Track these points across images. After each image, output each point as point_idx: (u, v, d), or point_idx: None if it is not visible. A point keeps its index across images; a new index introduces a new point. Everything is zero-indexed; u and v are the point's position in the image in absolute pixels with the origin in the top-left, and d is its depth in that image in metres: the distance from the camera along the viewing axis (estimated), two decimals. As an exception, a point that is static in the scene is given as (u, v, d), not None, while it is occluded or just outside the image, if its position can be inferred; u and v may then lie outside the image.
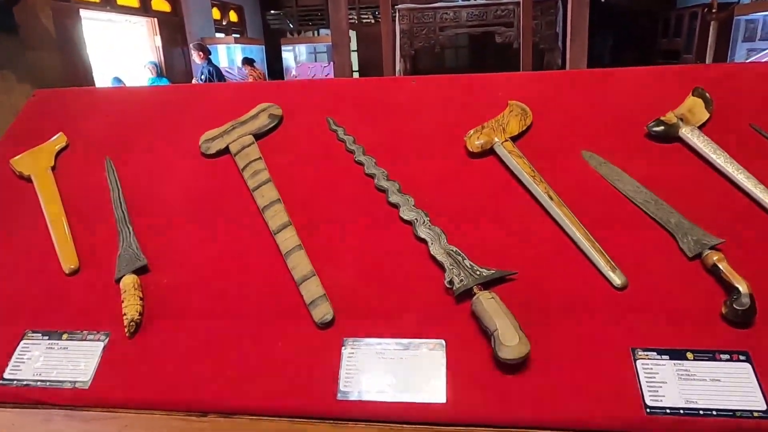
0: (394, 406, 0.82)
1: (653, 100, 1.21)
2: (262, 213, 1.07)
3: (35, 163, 1.23)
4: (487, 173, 1.11)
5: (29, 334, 0.97)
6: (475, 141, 1.13)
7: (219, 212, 1.12)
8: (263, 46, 10.78)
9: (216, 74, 7.07)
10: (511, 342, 0.81)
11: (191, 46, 7.57)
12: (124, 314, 0.95)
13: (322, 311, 0.92)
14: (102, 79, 6.31)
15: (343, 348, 0.88)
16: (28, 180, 1.22)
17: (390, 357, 0.87)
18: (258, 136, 1.23)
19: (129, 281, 0.99)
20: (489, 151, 1.13)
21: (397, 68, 6.91)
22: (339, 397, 0.83)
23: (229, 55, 10.54)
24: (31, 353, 0.95)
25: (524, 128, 1.15)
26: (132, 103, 1.39)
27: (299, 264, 0.98)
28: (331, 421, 0.82)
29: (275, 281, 0.99)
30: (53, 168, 1.24)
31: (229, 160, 1.21)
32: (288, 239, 1.02)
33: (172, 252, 1.06)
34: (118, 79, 6.59)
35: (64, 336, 0.96)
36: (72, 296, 1.02)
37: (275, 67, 10.95)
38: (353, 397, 0.83)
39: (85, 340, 0.95)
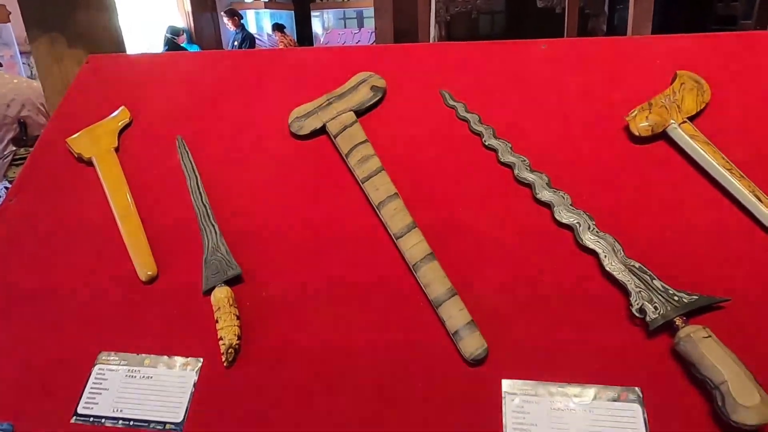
0: (585, 479, 0.62)
1: None
2: (378, 210, 0.87)
3: (96, 143, 1.04)
4: (659, 163, 0.87)
5: (103, 357, 0.80)
6: (642, 122, 0.89)
7: (321, 208, 0.92)
8: (293, 12, 10.44)
9: (249, 42, 6.84)
10: (748, 401, 0.60)
11: (222, 12, 7.33)
12: (221, 338, 0.77)
13: (473, 344, 0.72)
14: (133, 47, 6.11)
15: (505, 395, 0.69)
16: (89, 163, 1.03)
17: (572, 408, 0.67)
18: (359, 113, 1.01)
19: (222, 295, 0.80)
20: (659, 135, 0.90)
21: (432, 35, 6.59)
22: (509, 462, 0.64)
23: (257, 21, 10.25)
24: (109, 382, 0.77)
25: (702, 106, 0.91)
26: (199, 71, 1.19)
27: (434, 280, 0.78)
28: (502, 495, 0.63)
29: (403, 299, 0.79)
30: (116, 149, 1.05)
31: (325, 141, 1.01)
32: (415, 246, 0.81)
33: (268, 257, 0.87)
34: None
35: (146, 361, 0.79)
36: (151, 310, 0.84)
37: (304, 34, 10.62)
38: (527, 463, 0.64)
39: (173, 368, 0.77)
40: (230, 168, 1.00)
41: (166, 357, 0.78)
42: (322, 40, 10.20)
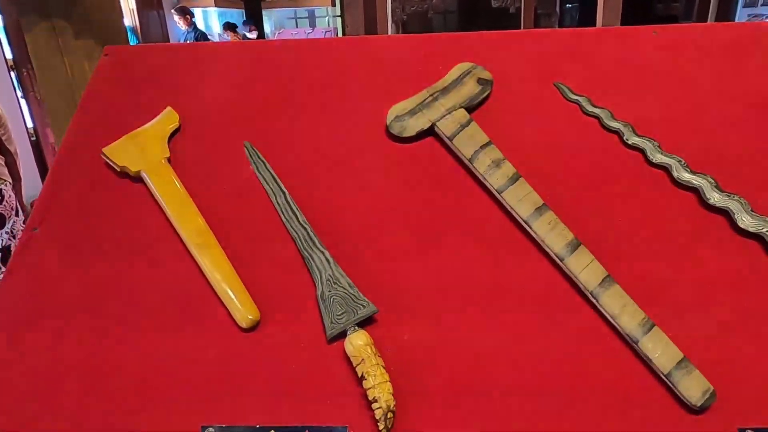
0: None
1: None
2: (528, 225, 0.72)
3: (143, 153, 0.83)
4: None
5: (210, 434, 0.61)
6: (803, 114, 0.80)
7: (451, 224, 0.76)
8: (242, 10, 10.07)
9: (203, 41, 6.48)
10: None
11: (173, 10, 6.92)
12: (374, 399, 0.60)
13: (697, 387, 0.59)
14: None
15: (749, 447, 0.56)
16: (136, 178, 0.83)
17: (835, 461, 0.55)
18: (468, 110, 0.86)
19: (362, 342, 0.63)
20: (820, 129, 0.81)
21: (389, 33, 6.53)
22: None
23: (205, 20, 9.82)
24: (225, 468, 0.59)
25: None
26: (249, 64, 0.99)
27: (623, 309, 0.64)
28: None
29: (585, 334, 0.65)
30: (168, 160, 0.85)
31: (432, 143, 0.85)
32: (588, 269, 0.67)
33: (396, 290, 0.71)
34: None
35: (271, 435, 0.61)
36: (260, 366, 0.65)
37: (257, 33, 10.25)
38: None
39: (310, 442, 0.60)
40: (319, 180, 0.83)
41: (298, 427, 0.60)
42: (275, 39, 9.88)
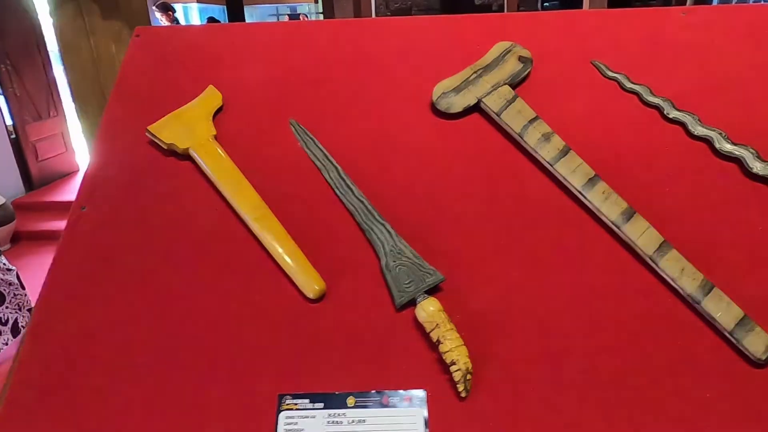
0: None
1: None
2: (583, 195, 0.74)
3: (190, 131, 0.82)
4: None
5: (288, 401, 0.61)
6: (832, 88, 0.84)
7: (504, 195, 0.77)
8: (224, 6, 9.96)
9: (187, 36, 6.34)
10: None
11: (155, 7, 6.77)
12: (452, 362, 0.61)
13: (760, 341, 0.61)
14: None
15: (813, 397, 0.59)
16: (183, 156, 0.82)
17: None
18: (511, 87, 0.88)
19: (435, 308, 0.64)
20: None
21: (373, 31, 6.55)
22: None
23: (186, 15, 9.66)
24: (306, 434, 0.59)
25: None
26: (286, 45, 0.99)
27: (683, 272, 0.66)
28: None
29: (645, 297, 0.67)
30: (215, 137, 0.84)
31: (477, 119, 0.86)
32: (645, 235, 0.69)
33: (458, 258, 0.72)
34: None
35: (350, 400, 0.61)
36: (332, 335, 0.66)
37: (238, 31, 10.12)
38: None
39: (387, 405, 0.61)
40: (367, 156, 0.83)
41: (373, 393, 0.61)
42: (255, 36, 9.78)
